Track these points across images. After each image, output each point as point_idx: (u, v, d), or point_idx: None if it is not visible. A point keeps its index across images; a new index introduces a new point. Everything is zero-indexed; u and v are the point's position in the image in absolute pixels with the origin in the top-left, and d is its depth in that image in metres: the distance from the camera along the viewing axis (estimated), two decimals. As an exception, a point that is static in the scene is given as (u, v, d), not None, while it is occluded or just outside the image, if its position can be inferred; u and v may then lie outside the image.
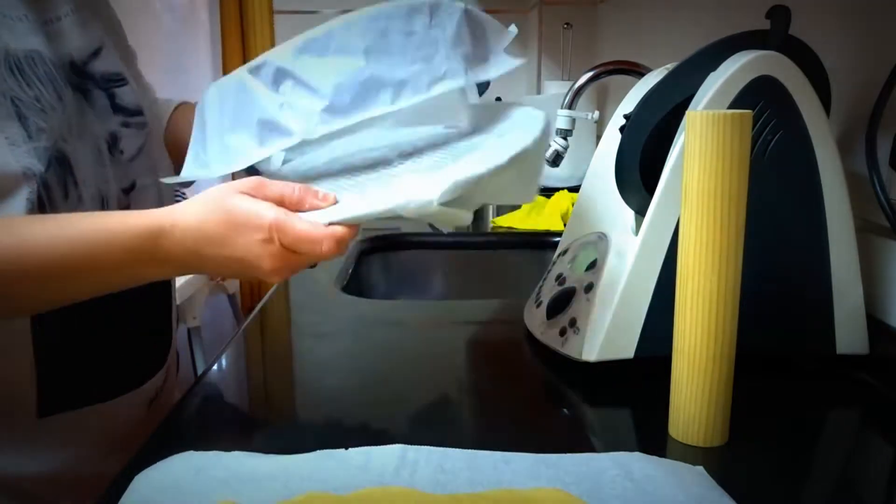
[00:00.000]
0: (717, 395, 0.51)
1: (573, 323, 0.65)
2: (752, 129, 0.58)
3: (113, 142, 0.68)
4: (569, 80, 1.81)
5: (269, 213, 0.51)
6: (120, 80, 0.70)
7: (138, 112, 0.71)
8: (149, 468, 0.47)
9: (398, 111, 0.53)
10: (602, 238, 0.71)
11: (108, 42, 0.70)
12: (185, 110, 0.84)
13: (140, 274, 0.54)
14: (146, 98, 0.76)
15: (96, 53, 0.68)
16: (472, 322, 0.85)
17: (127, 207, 0.70)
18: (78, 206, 0.62)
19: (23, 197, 0.56)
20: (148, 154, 0.72)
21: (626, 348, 0.62)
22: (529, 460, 0.48)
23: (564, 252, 0.76)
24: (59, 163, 0.59)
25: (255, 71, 0.57)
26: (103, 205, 0.66)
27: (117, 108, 0.69)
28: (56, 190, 0.59)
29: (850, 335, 0.63)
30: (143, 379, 0.72)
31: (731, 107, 0.59)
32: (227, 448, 0.50)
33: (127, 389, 0.70)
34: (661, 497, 0.44)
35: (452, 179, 0.49)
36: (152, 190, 0.73)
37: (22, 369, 0.61)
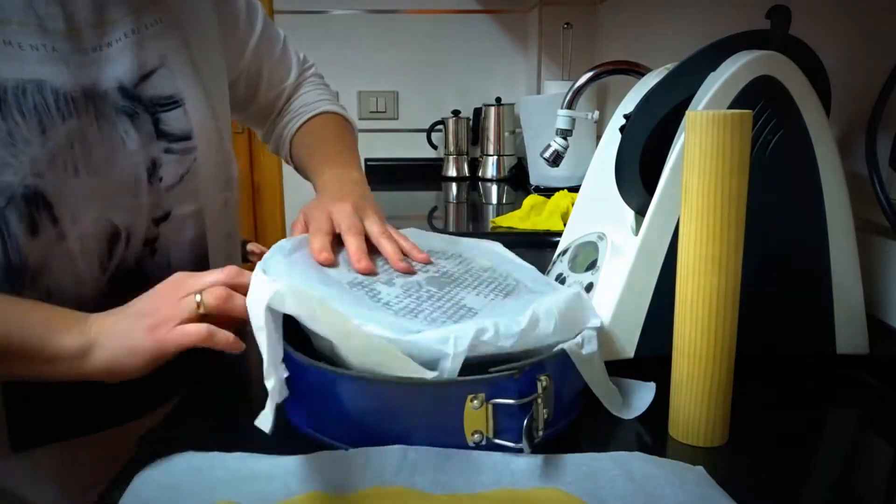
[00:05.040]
0: (717, 395, 0.51)
1: (573, 323, 0.65)
2: (752, 129, 0.58)
3: (153, 169, 0.67)
4: (569, 80, 1.81)
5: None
6: (171, 104, 0.68)
7: (185, 137, 0.69)
8: (149, 468, 0.47)
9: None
10: (602, 238, 0.71)
11: (175, 59, 0.68)
12: (307, 130, 0.86)
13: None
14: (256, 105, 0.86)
15: (148, 76, 0.66)
16: (472, 322, 0.84)
17: (156, 239, 0.68)
18: (56, 243, 0.61)
19: None
20: (191, 181, 0.70)
21: (626, 348, 0.62)
22: (529, 460, 0.48)
23: (564, 252, 0.76)
24: (28, 199, 0.59)
25: None
26: (112, 240, 0.65)
27: (161, 134, 0.67)
28: (16, 225, 0.59)
29: (850, 335, 0.63)
30: (140, 412, 0.70)
31: (731, 107, 0.59)
32: (227, 448, 0.50)
33: (119, 422, 0.68)
34: (661, 497, 0.44)
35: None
36: (189, 220, 0.71)
37: None
